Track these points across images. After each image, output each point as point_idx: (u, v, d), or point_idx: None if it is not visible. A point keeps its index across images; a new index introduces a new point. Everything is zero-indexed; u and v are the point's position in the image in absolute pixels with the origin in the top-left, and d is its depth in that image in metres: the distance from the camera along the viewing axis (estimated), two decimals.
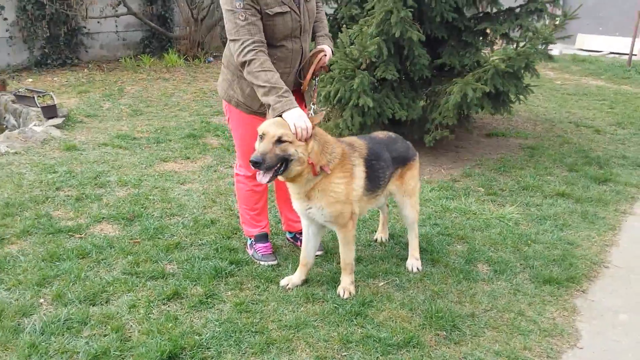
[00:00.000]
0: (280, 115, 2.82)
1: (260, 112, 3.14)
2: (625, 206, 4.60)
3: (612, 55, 13.39)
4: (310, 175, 2.89)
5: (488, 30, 6.11)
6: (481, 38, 6.10)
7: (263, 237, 3.54)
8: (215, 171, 5.13)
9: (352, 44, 5.38)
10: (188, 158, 5.47)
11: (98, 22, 10.20)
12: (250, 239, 3.55)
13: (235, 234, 3.82)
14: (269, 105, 2.88)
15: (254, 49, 2.91)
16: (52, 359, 2.52)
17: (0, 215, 3.89)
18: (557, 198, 4.71)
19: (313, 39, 3.36)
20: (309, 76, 3.21)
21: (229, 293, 3.11)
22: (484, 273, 3.48)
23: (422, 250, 3.66)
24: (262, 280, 3.25)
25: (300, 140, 2.77)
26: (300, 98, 3.36)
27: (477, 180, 5.14)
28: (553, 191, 4.83)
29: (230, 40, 2.96)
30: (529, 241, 3.90)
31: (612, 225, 4.23)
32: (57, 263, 3.31)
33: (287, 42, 3.11)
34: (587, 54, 13.19)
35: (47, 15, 9.36)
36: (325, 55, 3.21)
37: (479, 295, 3.21)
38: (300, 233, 3.70)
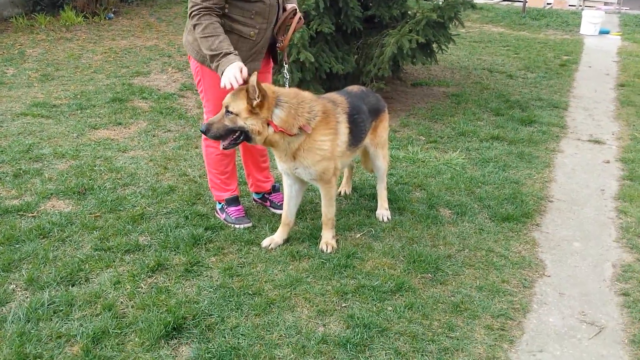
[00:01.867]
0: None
1: None
2: (553, 144, 5.01)
3: (506, 2, 14.14)
4: (290, 139, 2.88)
5: None
6: None
7: (234, 200, 3.48)
8: (154, 136, 4.91)
9: None
10: (120, 124, 5.18)
11: None
12: (221, 203, 3.49)
13: (199, 199, 3.73)
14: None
15: (199, 13, 2.89)
16: (49, 345, 2.37)
17: None
18: (493, 141, 5.01)
19: None
20: (289, 35, 3.16)
21: (213, 259, 3.06)
22: (448, 216, 3.68)
23: (388, 201, 3.78)
24: (243, 244, 3.22)
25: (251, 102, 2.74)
26: (270, 55, 3.33)
27: (415, 130, 5.33)
28: (487, 135, 5.13)
29: None
30: (480, 183, 4.15)
31: (546, 163, 4.60)
32: (18, 245, 3.07)
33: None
34: (483, 1, 13.78)
35: None
36: (300, 16, 3.19)
37: (450, 237, 3.40)
38: (268, 193, 3.69)
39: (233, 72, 2.82)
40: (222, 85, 2.83)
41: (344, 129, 3.07)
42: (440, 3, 5.68)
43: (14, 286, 2.76)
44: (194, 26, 2.91)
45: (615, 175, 4.44)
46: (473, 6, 6.12)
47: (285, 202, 3.26)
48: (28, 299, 2.65)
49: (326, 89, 5.99)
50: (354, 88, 3.50)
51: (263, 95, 2.75)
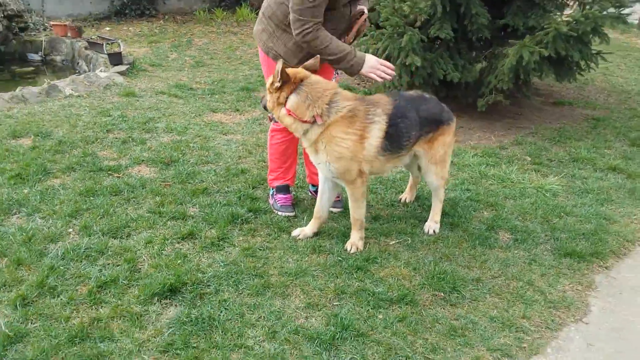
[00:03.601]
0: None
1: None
2: None
3: None
4: (305, 126, 2.95)
5: None
6: None
7: (284, 189, 3.61)
8: (260, 124, 5.24)
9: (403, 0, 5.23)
10: (237, 110, 5.61)
11: None
12: (272, 189, 3.64)
13: (262, 184, 3.92)
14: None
15: (313, 29, 3.02)
16: (67, 281, 2.75)
17: (52, 151, 4.20)
18: (608, 172, 4.44)
19: None
20: (350, 38, 3.26)
21: (241, 238, 3.23)
22: (503, 241, 3.38)
23: (445, 214, 3.60)
24: (275, 229, 3.34)
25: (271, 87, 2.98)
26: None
27: (526, 149, 4.93)
28: (605, 165, 4.55)
29: (293, 12, 3.02)
30: (562, 213, 3.73)
31: None
32: (92, 198, 3.56)
33: (342, 8, 3.16)
34: None
35: None
36: (366, 18, 3.27)
37: (491, 262, 3.14)
38: None
39: (375, 63, 3.14)
40: (378, 79, 3.18)
41: (376, 131, 2.99)
42: (580, 14, 5.15)
43: (71, 229, 3.22)
44: (311, 41, 3.05)
45: None
46: (624, 22, 5.45)
47: (319, 196, 3.30)
48: (74, 242, 3.07)
49: (441, 98, 5.84)
50: (412, 92, 3.39)
51: (284, 80, 2.87)
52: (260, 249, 3.13)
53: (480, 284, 2.94)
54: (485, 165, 4.50)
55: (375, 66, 3.14)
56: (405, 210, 3.73)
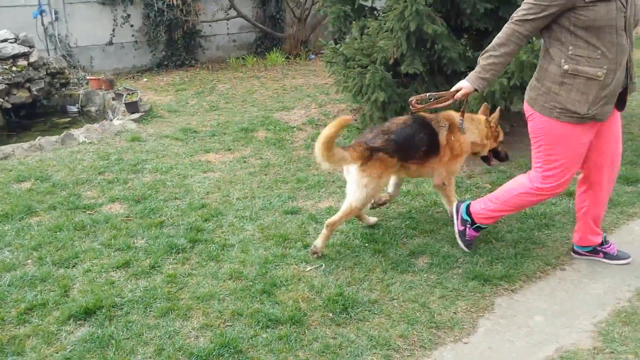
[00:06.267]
0: None
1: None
2: (636, 209, 4.18)
3: None
4: None
5: None
6: None
7: (480, 229, 3.63)
8: (245, 162, 5.61)
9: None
10: (230, 150, 6.03)
11: (210, 25, 11.28)
12: (476, 224, 3.58)
13: (215, 216, 4.25)
14: None
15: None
16: (6, 304, 3.18)
17: (44, 192, 4.77)
18: (564, 197, 4.39)
19: None
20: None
21: (170, 266, 3.56)
22: (419, 266, 3.51)
23: (372, 241, 3.79)
24: (205, 257, 3.65)
25: None
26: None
27: (493, 177, 4.98)
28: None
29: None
30: (492, 239, 3.80)
31: (604, 228, 3.89)
32: (57, 233, 4.04)
33: (611, 36, 2.84)
34: None
35: (165, 21, 10.59)
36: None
37: (396, 285, 3.28)
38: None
39: None
40: None
41: None
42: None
43: (30, 261, 3.68)
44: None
45: None
46: None
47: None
48: (24, 271, 3.52)
49: None
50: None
51: None
52: (182, 276, 3.45)
53: (375, 306, 3.09)
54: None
55: None
56: (336, 237, 3.93)
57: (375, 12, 6.53)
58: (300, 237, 3.88)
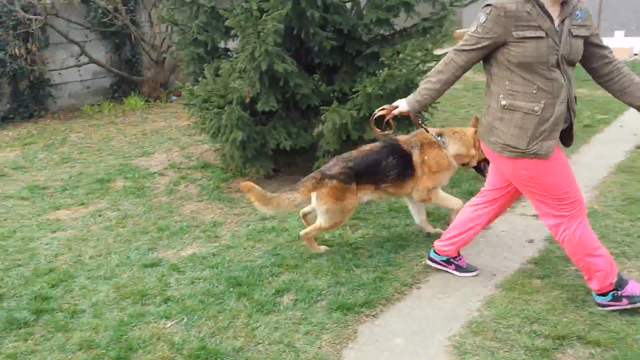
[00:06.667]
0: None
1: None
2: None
3: None
4: None
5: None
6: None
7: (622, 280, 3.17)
8: (100, 215, 5.28)
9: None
10: (83, 204, 5.64)
11: (59, 73, 10.64)
12: (613, 291, 3.12)
13: (65, 281, 3.92)
14: None
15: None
16: None
17: None
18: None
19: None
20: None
21: (10, 345, 3.20)
22: (285, 304, 3.47)
23: (237, 284, 3.70)
24: (53, 330, 3.33)
25: None
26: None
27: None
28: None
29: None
30: (353, 266, 3.87)
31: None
32: None
33: (543, 72, 2.86)
34: None
35: (9, 72, 9.81)
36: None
37: (261, 329, 3.21)
38: None
39: None
40: None
41: None
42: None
43: None
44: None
45: (523, 258, 3.86)
46: None
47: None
48: None
49: (283, 165, 6.07)
50: None
51: None
52: (25, 354, 3.11)
53: (240, 354, 3.00)
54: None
55: None
56: (199, 284, 3.79)
57: (229, 53, 6.56)
58: (160, 291, 3.69)
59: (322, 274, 3.80)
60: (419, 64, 5.45)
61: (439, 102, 6.73)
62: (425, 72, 5.69)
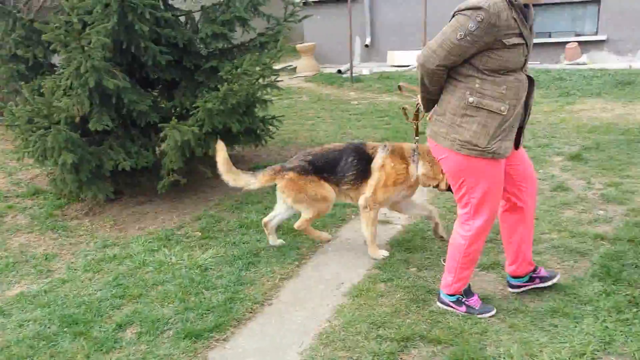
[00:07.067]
0: None
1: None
2: (328, 231, 4.59)
3: None
4: None
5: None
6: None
7: (470, 290, 3.33)
8: None
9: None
10: None
11: None
12: (458, 295, 3.29)
13: None
14: None
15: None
16: None
17: None
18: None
19: None
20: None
21: None
22: (129, 338, 3.23)
23: (73, 323, 3.37)
24: None
25: None
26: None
27: (202, 224, 4.95)
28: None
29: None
30: (203, 289, 3.72)
31: (301, 255, 4.18)
32: None
33: (515, 74, 2.89)
34: (395, 69, 13.76)
35: None
36: None
37: None
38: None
39: None
40: None
41: None
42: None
43: None
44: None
45: (368, 264, 4.01)
46: (278, 88, 5.94)
47: None
48: None
49: (126, 186, 5.72)
50: None
51: None
52: None
53: None
54: (150, 251, 4.39)
55: None
56: (29, 327, 3.40)
57: (55, 69, 6.05)
58: None
59: (169, 301, 3.60)
60: (258, 78, 5.46)
61: (283, 116, 6.86)
62: (265, 86, 5.74)
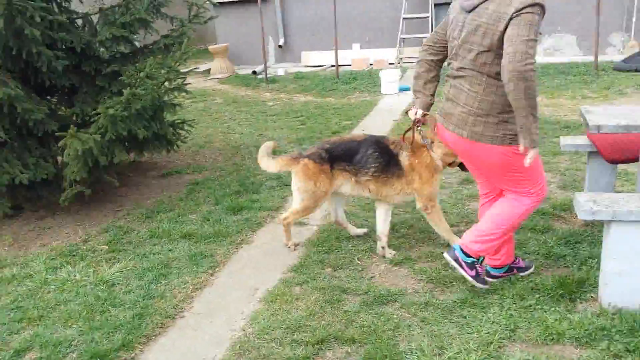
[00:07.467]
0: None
1: None
2: (243, 236, 4.51)
3: (332, 67, 14.24)
4: None
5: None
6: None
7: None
8: None
9: None
10: None
11: None
12: (474, 259, 3.27)
13: None
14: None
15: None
16: None
17: None
18: (180, 241, 4.47)
19: None
20: None
21: None
22: None
23: None
24: None
25: None
26: None
27: (110, 236, 4.71)
28: (179, 234, 4.59)
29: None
30: (109, 306, 3.54)
31: (216, 262, 4.08)
32: None
33: None
34: (310, 70, 13.81)
35: None
36: None
37: None
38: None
39: None
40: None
41: None
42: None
43: None
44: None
45: (283, 267, 3.97)
46: (187, 91, 5.78)
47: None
48: None
49: (26, 200, 5.37)
50: None
51: None
52: None
53: None
54: (52, 269, 4.13)
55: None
56: None
57: None
58: None
59: (73, 321, 3.40)
60: (164, 82, 5.28)
61: (194, 120, 6.69)
62: (173, 89, 5.57)
